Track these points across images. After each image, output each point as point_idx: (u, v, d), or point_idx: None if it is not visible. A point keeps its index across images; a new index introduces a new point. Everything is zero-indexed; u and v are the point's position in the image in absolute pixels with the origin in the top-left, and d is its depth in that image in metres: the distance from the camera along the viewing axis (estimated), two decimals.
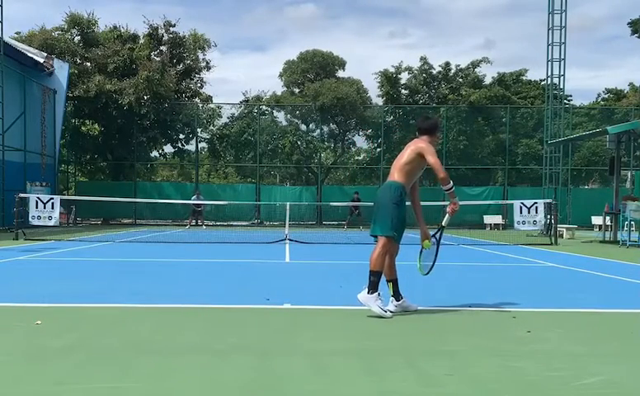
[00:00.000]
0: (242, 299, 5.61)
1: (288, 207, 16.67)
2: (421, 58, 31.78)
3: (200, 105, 30.54)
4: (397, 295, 5.16)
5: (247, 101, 31.80)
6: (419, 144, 5.04)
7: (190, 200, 24.21)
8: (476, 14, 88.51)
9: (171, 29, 28.68)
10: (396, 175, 5.06)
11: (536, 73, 61.48)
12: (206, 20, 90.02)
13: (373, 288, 4.91)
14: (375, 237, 5.13)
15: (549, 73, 21.35)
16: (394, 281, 5.18)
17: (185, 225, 23.88)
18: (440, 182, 4.98)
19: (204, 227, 23.70)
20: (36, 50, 24.10)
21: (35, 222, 14.93)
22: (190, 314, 5.07)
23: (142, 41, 28.22)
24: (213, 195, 27.76)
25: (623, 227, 15.04)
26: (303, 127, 32.17)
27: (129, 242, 15.29)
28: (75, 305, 5.46)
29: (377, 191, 5.24)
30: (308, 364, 3.53)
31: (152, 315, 5.12)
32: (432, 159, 4.91)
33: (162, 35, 28.77)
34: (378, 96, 32.31)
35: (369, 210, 23.37)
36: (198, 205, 23.39)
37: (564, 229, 18.89)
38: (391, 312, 5.01)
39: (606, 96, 39.21)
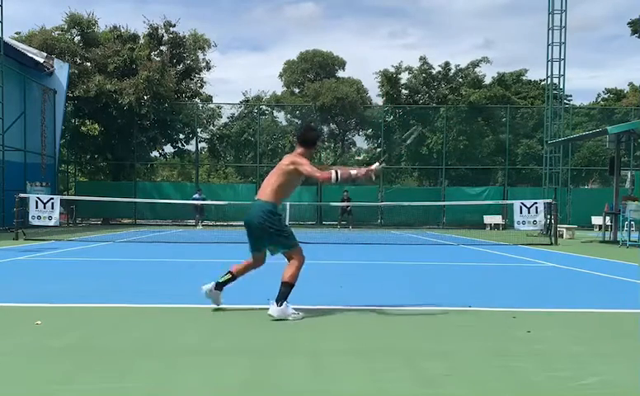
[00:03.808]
0: (242, 299, 5.61)
1: (288, 207, 16.67)
2: (421, 58, 31.80)
3: (200, 105, 30.53)
4: (222, 286, 5.12)
5: (247, 101, 31.81)
6: (293, 159, 4.99)
7: (190, 199, 24.26)
8: (475, 14, 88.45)
9: (171, 29, 28.67)
10: (268, 194, 4.97)
11: (536, 73, 61.57)
12: (206, 20, 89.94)
13: (284, 298, 4.87)
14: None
15: (549, 73, 21.35)
16: (235, 280, 5.15)
17: (196, 225, 24.04)
18: (325, 183, 4.93)
19: (200, 227, 23.74)
20: (36, 50, 24.07)
21: (35, 222, 14.93)
22: (190, 314, 5.07)
23: (142, 41, 28.20)
24: (213, 195, 27.79)
25: (623, 227, 15.04)
26: None
27: (129, 242, 15.29)
28: (75, 305, 5.46)
29: (249, 211, 5.05)
30: (308, 364, 3.53)
31: (153, 315, 5.13)
32: (307, 170, 4.89)
33: (162, 35, 28.76)
34: (378, 96, 32.35)
35: (362, 210, 23.18)
36: (198, 205, 23.39)
37: (564, 229, 18.89)
38: (209, 290, 5.10)
39: (606, 96, 39.20)
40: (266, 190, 4.99)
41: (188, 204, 23.86)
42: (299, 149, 5.11)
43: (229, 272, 5.14)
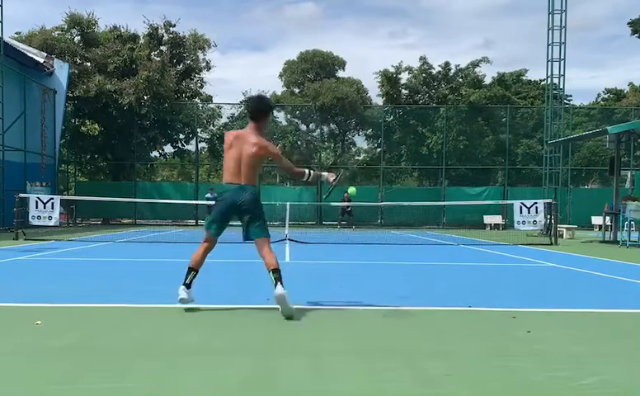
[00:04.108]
0: (242, 299, 5.61)
1: (288, 207, 16.67)
2: (421, 58, 31.80)
3: (200, 105, 30.55)
4: (190, 285, 5.09)
5: (247, 101, 31.79)
6: (262, 143, 4.98)
7: (203, 198, 24.25)
8: (475, 14, 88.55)
9: (171, 29, 28.71)
10: (248, 179, 4.98)
11: (536, 73, 61.56)
12: (206, 20, 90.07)
13: (281, 279, 4.84)
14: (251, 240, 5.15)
15: (549, 73, 21.37)
16: (198, 272, 5.12)
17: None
18: (297, 176, 5.13)
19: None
20: (36, 50, 24.09)
21: (35, 222, 14.93)
22: (190, 314, 5.06)
23: (142, 41, 28.23)
24: None
25: (623, 227, 15.05)
26: (303, 127, 32.19)
27: (129, 242, 15.29)
28: (75, 305, 5.46)
29: (239, 195, 4.97)
30: (308, 364, 3.53)
31: (153, 315, 5.13)
32: (283, 164, 5.09)
33: (162, 35, 28.78)
34: (378, 96, 32.35)
35: (362, 209, 23.16)
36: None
37: (564, 229, 18.89)
38: (184, 299, 5.03)
39: (606, 96, 39.22)
40: (242, 175, 4.96)
41: (189, 204, 23.88)
42: (252, 124, 5.04)
43: (192, 270, 5.09)
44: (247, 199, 4.97)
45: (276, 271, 4.86)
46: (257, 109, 5.08)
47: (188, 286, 5.09)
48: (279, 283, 4.79)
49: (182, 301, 5.07)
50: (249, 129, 5.06)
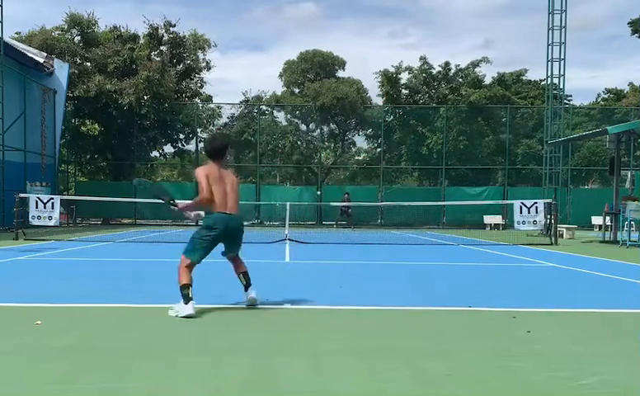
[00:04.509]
0: (242, 299, 5.61)
1: (288, 207, 16.66)
2: (421, 58, 31.75)
3: (200, 105, 30.55)
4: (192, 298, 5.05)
5: (247, 101, 31.82)
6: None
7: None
8: (475, 14, 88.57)
9: (171, 29, 28.67)
10: (237, 206, 5.48)
11: (536, 73, 61.57)
12: (206, 20, 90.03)
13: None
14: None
15: (549, 73, 21.35)
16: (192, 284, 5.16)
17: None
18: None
19: None
20: (36, 50, 24.07)
21: (35, 222, 14.93)
22: None
23: (142, 41, 28.20)
24: None
25: (623, 227, 15.05)
26: (303, 127, 32.19)
27: (129, 242, 15.29)
28: (75, 305, 5.47)
29: (235, 222, 5.37)
30: (308, 364, 3.53)
31: (153, 315, 5.13)
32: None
33: (162, 35, 28.76)
34: (378, 96, 32.29)
35: (362, 209, 23.18)
36: None
37: (564, 229, 18.89)
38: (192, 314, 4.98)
39: (606, 96, 39.16)
40: (230, 205, 5.34)
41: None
42: (217, 162, 5.44)
43: (189, 286, 5.05)
44: (238, 226, 5.38)
45: (246, 274, 5.32)
46: (215, 148, 5.50)
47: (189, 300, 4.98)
48: (251, 288, 5.30)
49: (189, 316, 4.88)
50: (218, 165, 5.43)
